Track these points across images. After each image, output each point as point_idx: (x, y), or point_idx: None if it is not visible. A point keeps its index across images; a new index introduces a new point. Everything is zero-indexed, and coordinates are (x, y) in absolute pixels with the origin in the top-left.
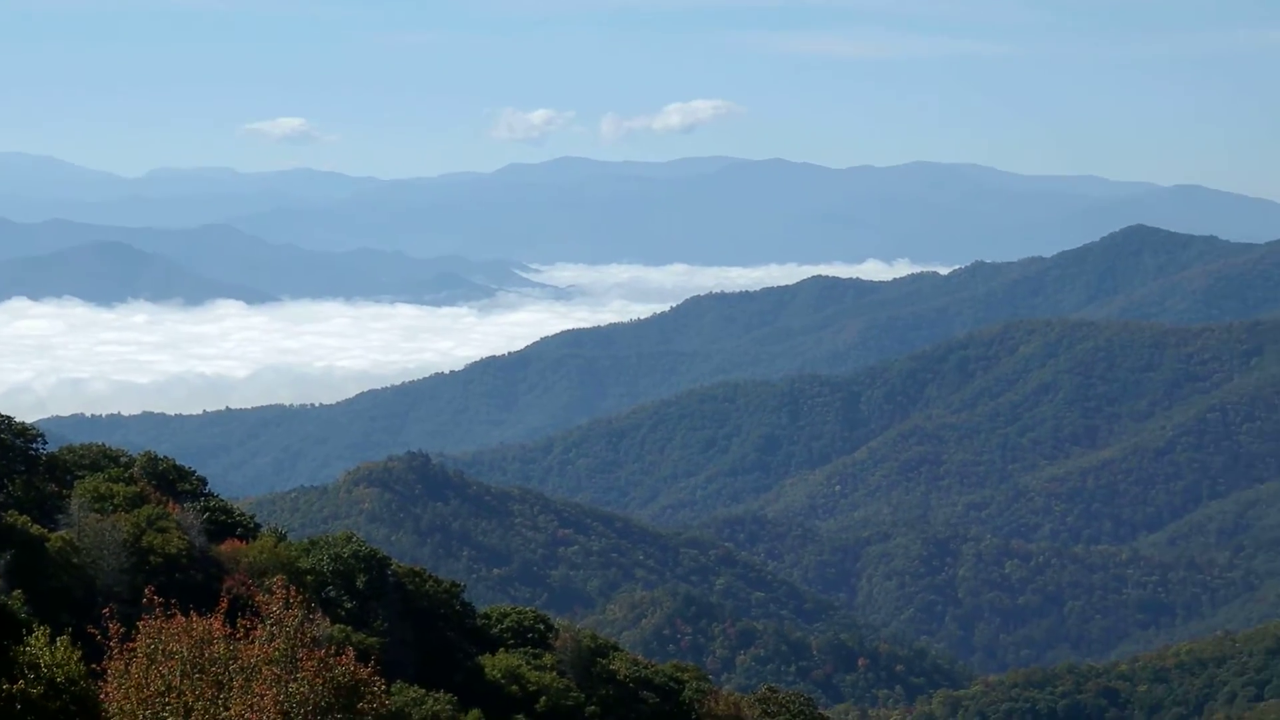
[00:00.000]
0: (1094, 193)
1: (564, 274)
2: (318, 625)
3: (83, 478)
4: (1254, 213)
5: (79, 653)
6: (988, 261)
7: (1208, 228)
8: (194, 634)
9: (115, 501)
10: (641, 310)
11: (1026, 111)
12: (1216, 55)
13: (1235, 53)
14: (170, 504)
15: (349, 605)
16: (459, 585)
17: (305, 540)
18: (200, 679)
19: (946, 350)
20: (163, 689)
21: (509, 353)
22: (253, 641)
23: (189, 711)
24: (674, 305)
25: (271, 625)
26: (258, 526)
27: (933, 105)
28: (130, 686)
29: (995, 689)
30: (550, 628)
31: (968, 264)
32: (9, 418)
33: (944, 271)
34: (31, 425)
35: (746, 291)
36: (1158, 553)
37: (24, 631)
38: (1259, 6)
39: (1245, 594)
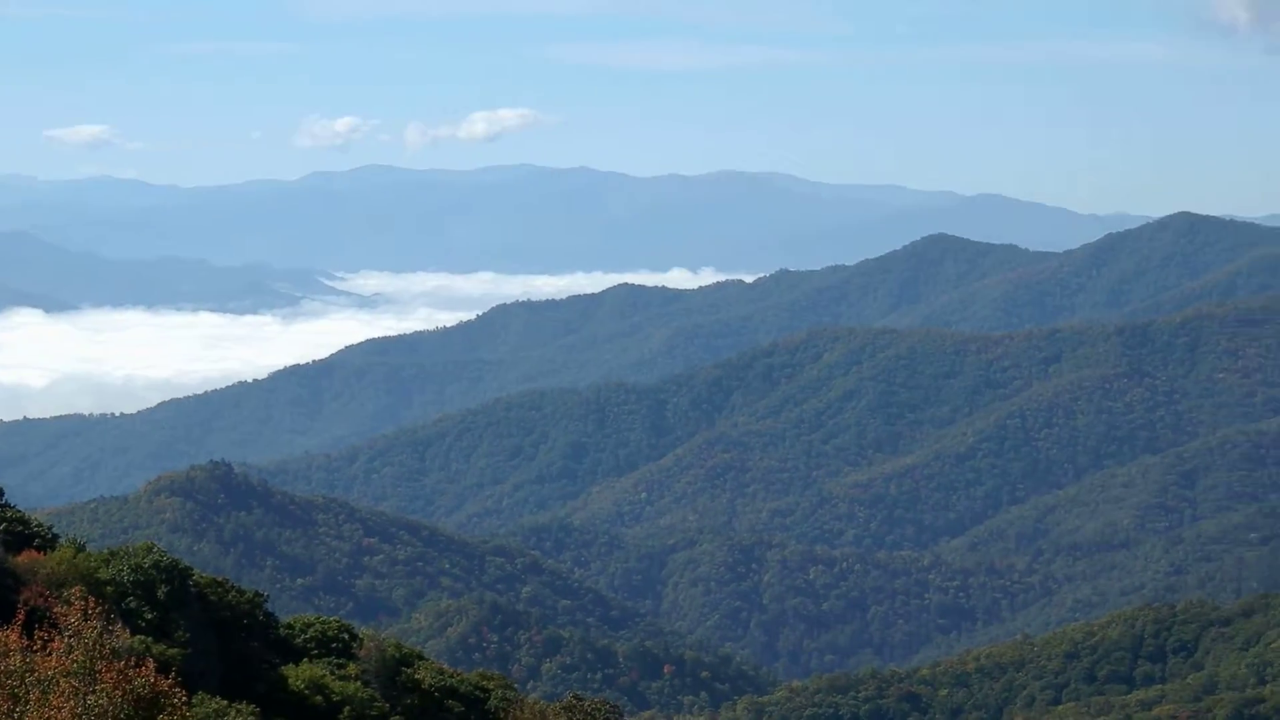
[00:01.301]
0: (896, 201)
1: (369, 282)
2: (117, 637)
3: None
4: (1052, 221)
5: None
6: (792, 269)
7: (1007, 236)
8: None
9: None
10: (447, 318)
11: (830, 121)
12: (1015, 66)
13: (1033, 63)
14: None
15: (150, 616)
16: (262, 595)
17: (105, 551)
18: None
19: (752, 358)
20: None
21: (313, 361)
22: (50, 654)
23: None
24: (480, 313)
25: (70, 637)
26: (56, 537)
27: (738, 114)
28: None
29: (799, 695)
30: (355, 637)
31: (773, 272)
32: None
33: (749, 279)
34: None
35: (553, 299)
36: (959, 558)
37: None
38: (1056, 20)
39: (1044, 598)
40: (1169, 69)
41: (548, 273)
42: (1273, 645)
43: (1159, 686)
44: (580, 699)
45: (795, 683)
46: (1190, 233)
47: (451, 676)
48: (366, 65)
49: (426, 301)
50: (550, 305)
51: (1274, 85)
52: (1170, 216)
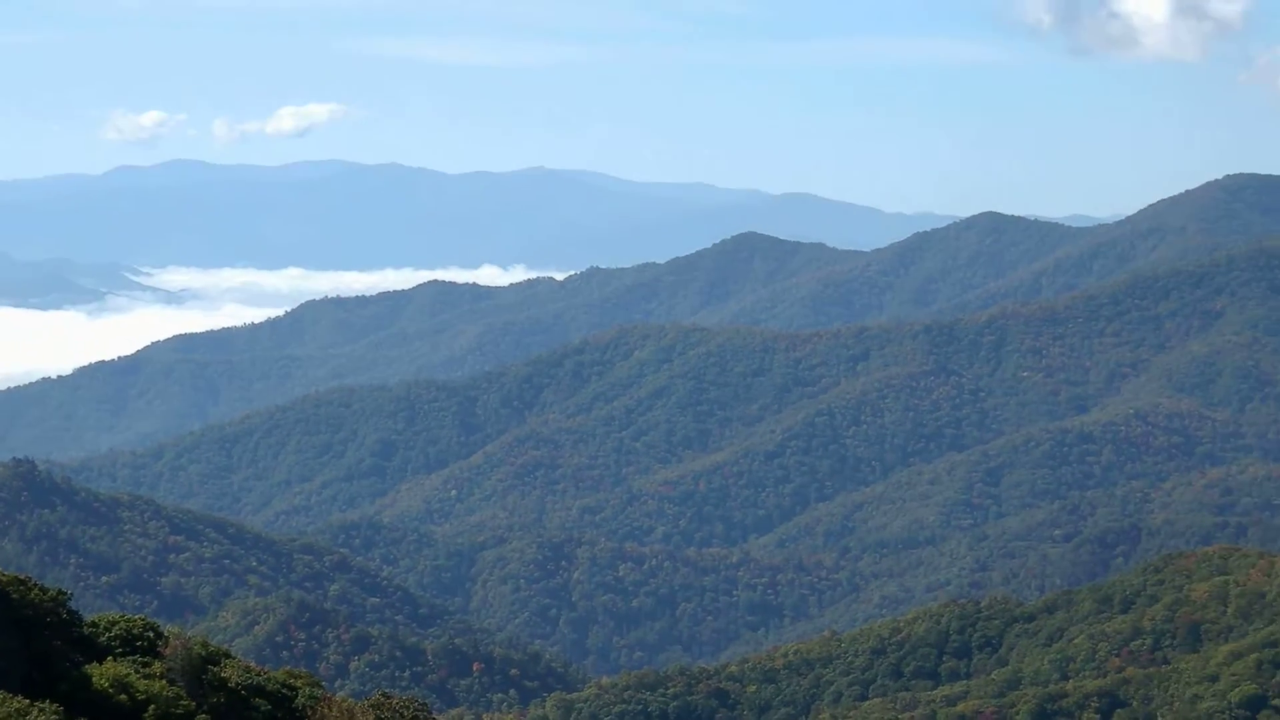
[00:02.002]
0: (706, 200)
1: (176, 278)
2: None
3: None
4: (860, 220)
5: None
6: (603, 267)
7: (816, 235)
8: None
9: None
10: (255, 315)
11: (639, 118)
12: (822, 66)
13: (840, 63)
14: None
15: None
16: (65, 593)
17: None
18: None
19: (562, 355)
20: None
21: (119, 357)
22: None
23: None
24: (289, 310)
25: None
26: None
27: (548, 112)
28: None
29: (608, 691)
30: (160, 635)
31: (583, 269)
32: None
33: (560, 277)
34: None
35: (362, 296)
36: (767, 555)
37: None
38: (864, 19)
39: (851, 595)
40: (975, 69)
41: (357, 269)
42: (1075, 641)
43: (964, 682)
44: (388, 697)
45: (604, 680)
46: (995, 232)
47: (258, 675)
48: (173, 60)
49: (234, 297)
50: (360, 302)
51: (1077, 86)
52: (976, 216)
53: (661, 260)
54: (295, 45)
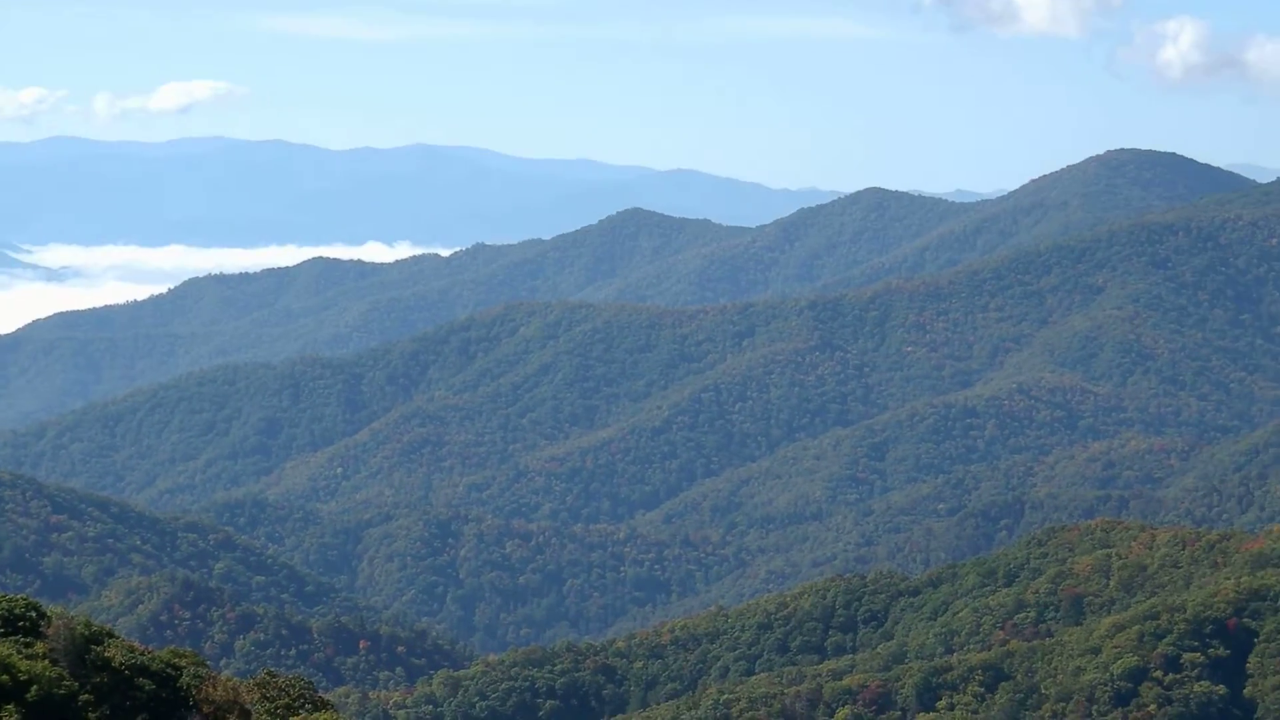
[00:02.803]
0: (591, 176)
1: (57, 255)
2: None
3: None
4: (746, 196)
5: None
6: (488, 243)
7: (702, 211)
8: None
9: None
10: (138, 292)
11: (525, 95)
12: (708, 42)
13: (726, 39)
14: None
15: None
16: None
17: None
18: None
19: (448, 332)
20: None
21: None
22: None
23: None
24: (172, 287)
25: None
26: None
27: (431, 87)
28: None
29: (495, 668)
30: (42, 615)
31: (469, 246)
32: None
33: (445, 253)
34: None
35: (246, 273)
36: (654, 531)
37: None
38: None
39: (737, 570)
40: (859, 45)
41: (241, 246)
42: (959, 615)
43: (850, 656)
44: (274, 675)
45: (491, 656)
46: (879, 208)
47: (142, 654)
48: (52, 35)
49: (117, 275)
50: (243, 279)
51: (959, 62)
52: (860, 192)
53: (548, 237)
54: (179, 22)
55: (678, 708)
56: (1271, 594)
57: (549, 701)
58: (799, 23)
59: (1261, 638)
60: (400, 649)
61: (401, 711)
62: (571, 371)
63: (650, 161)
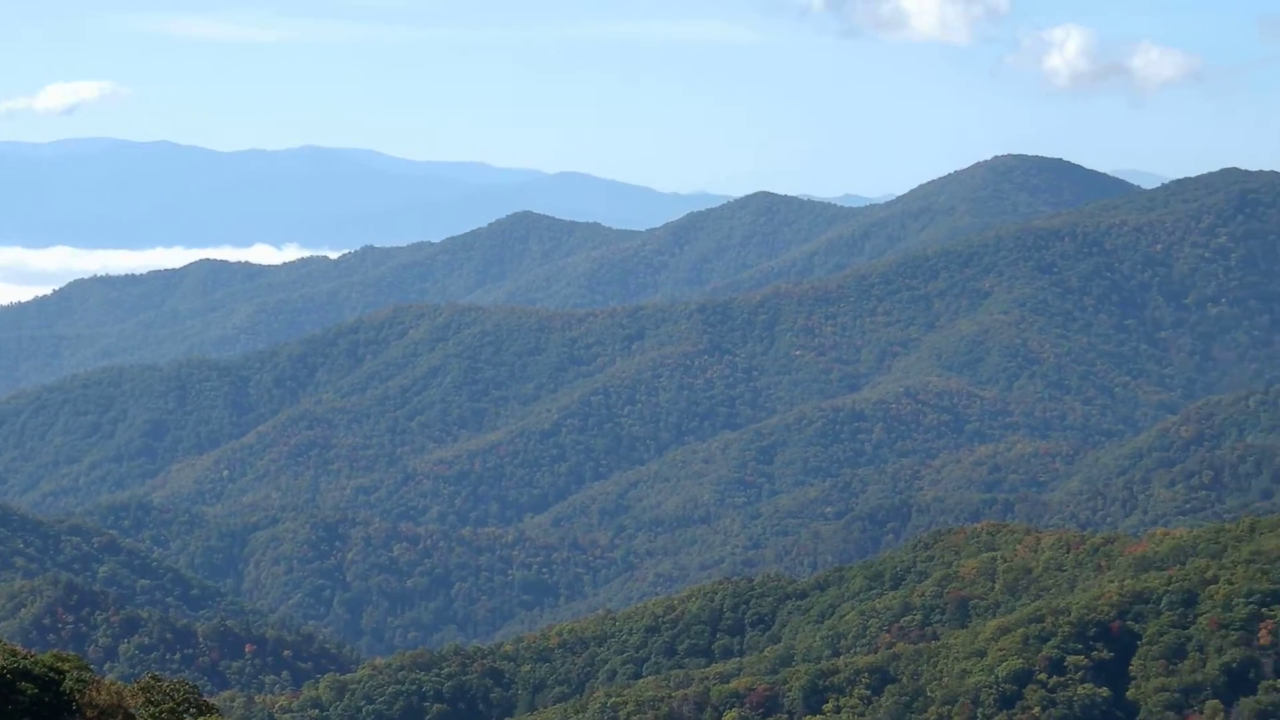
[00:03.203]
0: (480, 179)
1: None
2: None
3: None
4: (636, 200)
5: None
6: (377, 246)
7: (591, 214)
8: None
9: None
10: (22, 293)
11: (412, 96)
12: (595, 45)
13: (612, 43)
14: None
15: None
16: None
17: None
18: None
19: (336, 334)
20: None
21: None
22: None
23: None
24: (57, 288)
25: None
26: None
27: (319, 89)
28: None
29: (382, 672)
30: None
31: (357, 248)
32: None
33: (334, 255)
34: None
35: (132, 275)
36: (543, 534)
37: None
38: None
39: (625, 573)
40: (747, 50)
41: (127, 248)
42: (846, 618)
43: (737, 659)
44: (158, 679)
45: (378, 660)
46: (769, 212)
47: (25, 658)
48: None
49: (0, 276)
50: (130, 281)
51: (848, 67)
52: (749, 196)
53: (437, 239)
54: (64, 21)
55: (565, 711)
56: (1154, 597)
57: (436, 705)
58: (689, 26)
59: (1144, 640)
60: (286, 653)
61: (287, 716)
62: (460, 374)
63: (540, 164)
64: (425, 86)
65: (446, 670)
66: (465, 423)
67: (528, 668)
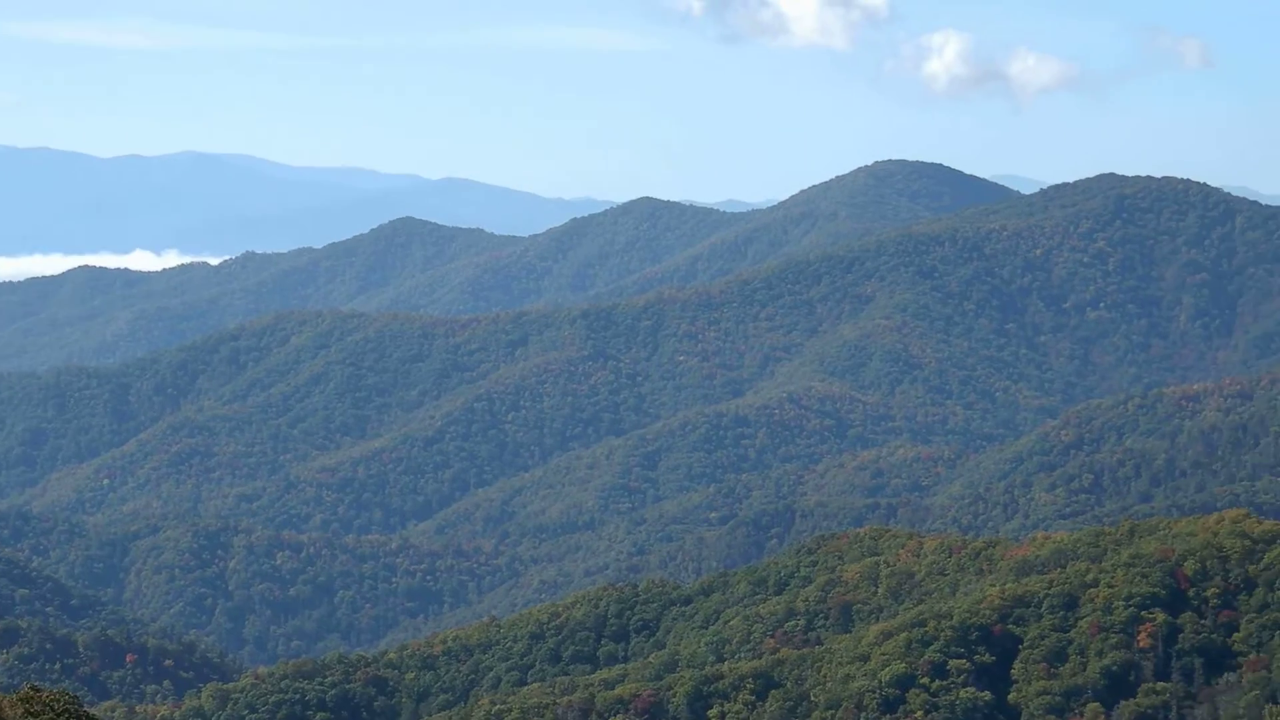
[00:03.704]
0: (363, 185)
1: None
2: None
3: None
4: (519, 205)
5: None
6: (259, 252)
7: (474, 220)
8: None
9: None
10: None
11: (294, 102)
12: (477, 52)
13: (499, 49)
14: None
15: None
16: None
17: None
18: None
19: (218, 341)
20: None
21: None
22: None
23: None
24: None
25: None
26: None
27: (199, 95)
28: None
29: (265, 681)
30: None
31: (238, 254)
32: None
33: (214, 262)
34: None
35: (9, 282)
36: (427, 541)
37: None
38: (521, 6)
39: (510, 580)
40: (629, 57)
41: (3, 254)
42: (731, 623)
43: (622, 666)
44: (38, 690)
45: (261, 669)
46: (652, 218)
47: None
48: None
49: None
50: (7, 288)
51: (729, 73)
52: (633, 201)
53: (319, 245)
54: None
55: (450, 719)
56: (1035, 600)
57: (319, 714)
58: (573, 33)
59: (1026, 644)
60: (168, 662)
61: None
62: (343, 381)
63: (423, 170)
64: (306, 93)
65: (330, 679)
66: (348, 430)
67: (412, 676)
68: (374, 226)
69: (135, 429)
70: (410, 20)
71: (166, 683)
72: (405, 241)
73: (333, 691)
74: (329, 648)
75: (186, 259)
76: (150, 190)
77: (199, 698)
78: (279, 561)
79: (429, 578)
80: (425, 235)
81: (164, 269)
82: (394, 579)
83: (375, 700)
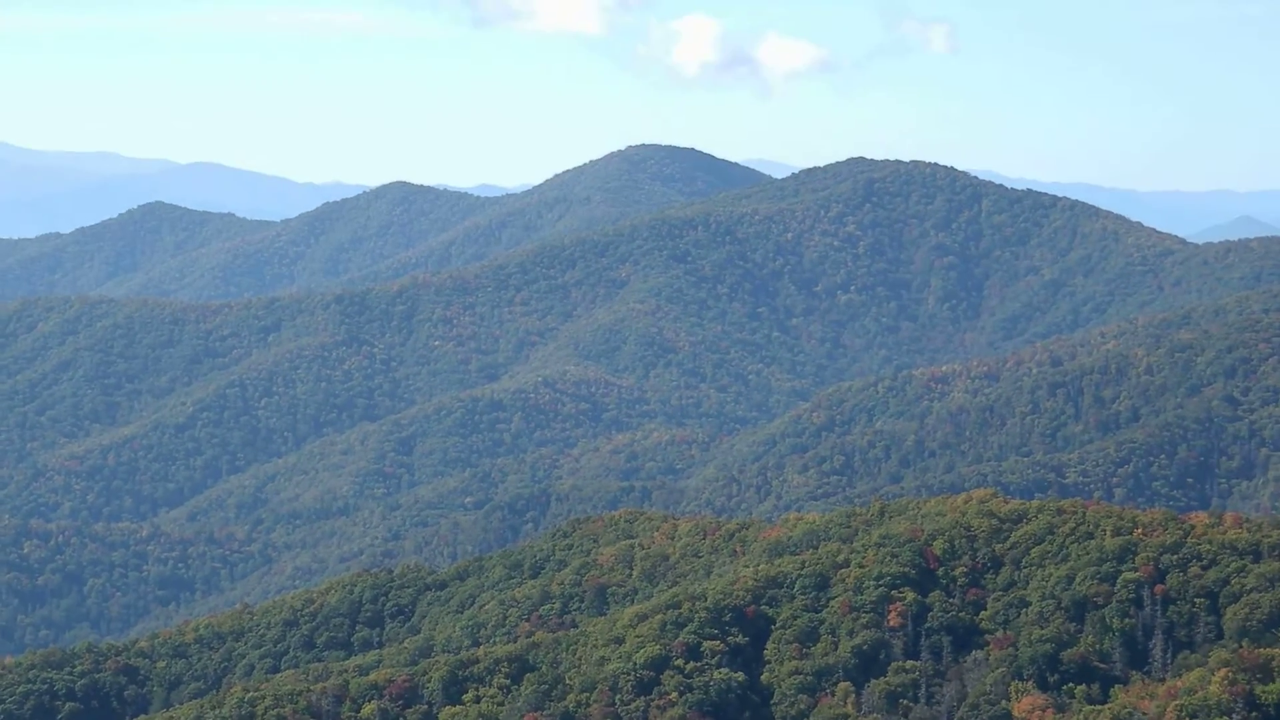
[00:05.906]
0: (111, 169)
1: None
2: None
3: None
4: (270, 190)
5: None
6: (3, 237)
7: (226, 205)
8: None
9: None
10: None
11: (36, 83)
12: (223, 34)
13: (242, 31)
14: None
15: None
16: None
17: None
18: None
19: None
20: None
21: None
22: None
23: None
24: None
25: None
26: None
27: None
28: None
29: (12, 671)
30: None
31: None
32: None
33: None
34: None
35: None
36: (178, 528)
37: None
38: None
39: (264, 566)
40: (384, 41)
41: None
42: (486, 607)
43: (377, 651)
44: None
45: (8, 659)
46: (405, 202)
47: None
48: None
49: None
50: None
51: (481, 58)
52: (386, 186)
53: (66, 230)
54: None
55: (201, 707)
56: (788, 581)
57: (68, 704)
58: (324, 15)
59: (778, 624)
60: None
61: None
62: (92, 368)
63: (172, 154)
64: (47, 74)
65: (79, 668)
66: (97, 417)
67: (163, 664)
68: (123, 211)
69: None
70: (157, 0)
71: None
72: (155, 226)
73: (82, 681)
74: (78, 637)
75: None
76: None
77: None
78: (27, 550)
79: (181, 565)
80: (175, 220)
81: None
82: (145, 567)
83: (126, 689)
